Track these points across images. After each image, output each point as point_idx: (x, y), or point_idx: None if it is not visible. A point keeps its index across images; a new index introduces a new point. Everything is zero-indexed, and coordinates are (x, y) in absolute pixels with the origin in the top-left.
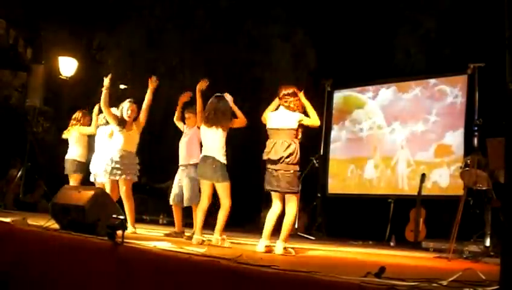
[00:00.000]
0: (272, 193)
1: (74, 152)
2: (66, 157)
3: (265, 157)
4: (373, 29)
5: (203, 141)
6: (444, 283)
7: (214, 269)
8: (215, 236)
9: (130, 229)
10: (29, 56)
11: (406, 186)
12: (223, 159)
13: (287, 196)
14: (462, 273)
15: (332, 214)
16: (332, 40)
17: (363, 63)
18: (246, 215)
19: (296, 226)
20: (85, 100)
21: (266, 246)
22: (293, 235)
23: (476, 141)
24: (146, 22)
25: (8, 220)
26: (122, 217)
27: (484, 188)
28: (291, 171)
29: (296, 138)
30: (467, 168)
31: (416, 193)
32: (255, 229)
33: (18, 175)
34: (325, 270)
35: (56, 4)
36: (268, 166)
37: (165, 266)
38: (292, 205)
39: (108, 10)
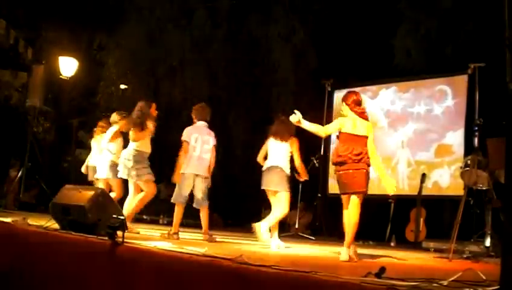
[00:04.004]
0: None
1: (96, 158)
2: (90, 164)
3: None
4: (373, 29)
5: (270, 153)
6: (445, 283)
7: (215, 269)
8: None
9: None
10: (29, 56)
11: (407, 186)
12: (288, 171)
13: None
14: (463, 273)
15: (332, 214)
16: (333, 40)
17: (363, 63)
18: (246, 216)
19: (296, 226)
20: (85, 100)
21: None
22: (293, 235)
23: (476, 141)
24: (146, 22)
25: (8, 220)
26: (122, 217)
27: (484, 188)
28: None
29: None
30: (467, 168)
31: (416, 193)
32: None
33: (18, 175)
34: (325, 270)
35: (56, 4)
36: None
37: (165, 266)
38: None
39: (108, 10)
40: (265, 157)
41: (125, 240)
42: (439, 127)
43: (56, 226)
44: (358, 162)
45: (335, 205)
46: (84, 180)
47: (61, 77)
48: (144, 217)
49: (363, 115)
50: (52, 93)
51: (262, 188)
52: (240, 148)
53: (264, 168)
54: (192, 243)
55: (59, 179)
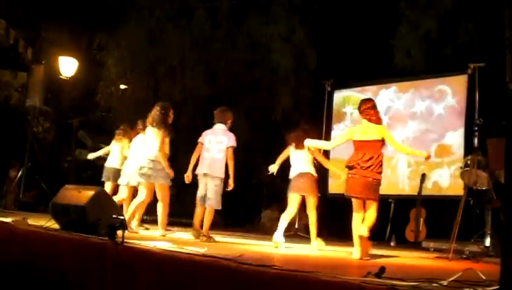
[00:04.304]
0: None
1: (115, 161)
2: (109, 165)
3: None
4: (373, 29)
5: (293, 161)
6: (444, 283)
7: (215, 269)
8: (316, 242)
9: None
10: (29, 56)
11: (406, 186)
12: (315, 174)
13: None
14: (462, 273)
15: (332, 214)
16: (333, 40)
17: (363, 63)
18: (246, 216)
19: (296, 226)
20: (85, 100)
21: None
22: (293, 235)
23: (476, 141)
24: (146, 22)
25: (8, 220)
26: (122, 217)
27: (484, 188)
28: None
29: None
30: (467, 168)
31: (416, 193)
32: (255, 229)
33: (18, 175)
34: (325, 270)
35: (56, 4)
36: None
37: (165, 266)
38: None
39: (108, 10)
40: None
41: (125, 240)
42: (439, 127)
43: (56, 226)
44: (366, 170)
45: (335, 205)
46: (83, 181)
47: (61, 77)
48: (144, 217)
49: (372, 119)
50: (52, 93)
51: (292, 193)
52: (239, 148)
53: (291, 176)
54: (192, 243)
55: (59, 179)
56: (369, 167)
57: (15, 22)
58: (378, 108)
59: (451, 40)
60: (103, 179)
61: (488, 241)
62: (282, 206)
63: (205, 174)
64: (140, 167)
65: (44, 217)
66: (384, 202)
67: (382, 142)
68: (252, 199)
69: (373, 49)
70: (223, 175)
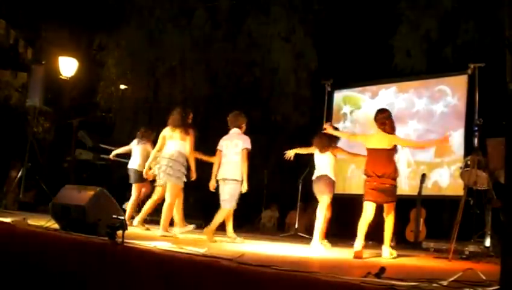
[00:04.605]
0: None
1: (136, 162)
2: (133, 167)
3: None
4: (373, 29)
5: (316, 164)
6: (444, 283)
7: (215, 269)
8: (321, 241)
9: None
10: (29, 56)
11: (406, 186)
12: (333, 177)
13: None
14: (463, 273)
15: (332, 214)
16: (333, 40)
17: (363, 63)
18: (246, 216)
19: (296, 226)
20: (85, 100)
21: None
22: (293, 235)
23: (476, 141)
24: (146, 22)
25: (8, 220)
26: (122, 217)
27: (484, 188)
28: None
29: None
30: (467, 168)
31: (416, 193)
32: (255, 229)
33: (18, 175)
34: (325, 270)
35: (56, 4)
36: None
37: (165, 266)
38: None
39: (108, 11)
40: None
41: (125, 240)
42: (439, 127)
43: (56, 226)
44: (381, 177)
45: (335, 205)
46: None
47: (61, 77)
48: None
49: (386, 129)
50: (52, 93)
51: (316, 195)
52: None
53: (313, 178)
54: (192, 243)
55: (59, 179)
56: (383, 174)
57: (15, 22)
58: (378, 108)
59: (451, 40)
60: (130, 182)
61: (488, 242)
62: (282, 206)
63: (224, 179)
64: (160, 166)
65: (44, 217)
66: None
67: (394, 150)
68: (252, 199)
69: (373, 49)
70: (239, 178)
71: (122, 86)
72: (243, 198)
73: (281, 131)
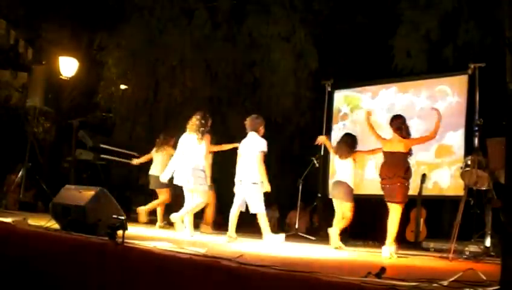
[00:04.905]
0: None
1: (158, 169)
2: (154, 173)
3: None
4: (373, 29)
5: (336, 169)
6: (445, 283)
7: (215, 269)
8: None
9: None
10: (29, 56)
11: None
12: (352, 185)
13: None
14: (463, 273)
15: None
16: (333, 40)
17: (363, 63)
18: (247, 216)
19: (296, 226)
20: (85, 100)
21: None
22: (293, 235)
23: (476, 141)
24: (146, 22)
25: (8, 220)
26: (122, 217)
27: (484, 188)
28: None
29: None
30: (468, 169)
31: (416, 193)
32: (255, 229)
33: (18, 176)
34: (325, 270)
35: (57, 4)
36: None
37: (165, 266)
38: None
39: (108, 10)
40: None
41: (125, 240)
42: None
43: (56, 226)
44: (392, 178)
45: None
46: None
47: (61, 77)
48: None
49: (402, 134)
50: (52, 93)
51: (330, 197)
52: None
53: (332, 182)
54: (192, 243)
55: (59, 179)
56: (394, 175)
57: (15, 22)
58: (378, 108)
59: (451, 40)
60: (150, 187)
61: (488, 242)
62: (282, 206)
63: (241, 181)
64: (181, 172)
65: (44, 217)
66: (384, 202)
67: (409, 153)
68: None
69: (373, 50)
70: (257, 180)
71: (122, 86)
72: None
73: (281, 131)
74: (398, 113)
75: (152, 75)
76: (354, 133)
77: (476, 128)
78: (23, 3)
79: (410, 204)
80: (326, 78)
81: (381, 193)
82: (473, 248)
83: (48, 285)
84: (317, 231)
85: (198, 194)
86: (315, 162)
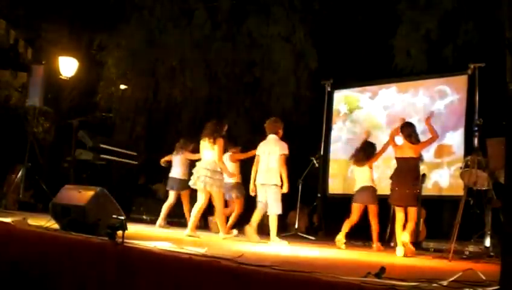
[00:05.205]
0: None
1: (177, 172)
2: (173, 176)
3: None
4: (373, 29)
5: (356, 177)
6: (444, 283)
7: (215, 269)
8: (377, 244)
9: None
10: (29, 56)
11: None
12: (375, 186)
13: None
14: (463, 273)
15: (332, 214)
16: (333, 40)
17: (363, 63)
18: (247, 216)
19: (296, 226)
20: (85, 100)
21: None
22: (293, 235)
23: (476, 141)
24: (146, 22)
25: (8, 220)
26: (122, 217)
27: (484, 188)
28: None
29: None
30: (467, 169)
31: None
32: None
33: (18, 176)
34: (325, 270)
35: (56, 4)
36: None
37: (165, 266)
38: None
39: (108, 10)
40: None
41: (125, 240)
42: (439, 127)
43: (56, 226)
44: (403, 183)
45: (335, 205)
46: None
47: (61, 77)
48: (144, 217)
49: (412, 140)
50: (52, 93)
51: (355, 203)
52: (239, 149)
53: (355, 190)
54: (193, 243)
55: (59, 179)
56: (404, 181)
57: (15, 22)
58: (378, 108)
59: (451, 40)
60: (167, 188)
61: (488, 242)
62: (283, 207)
63: (263, 184)
64: (197, 175)
65: (45, 217)
66: (384, 202)
67: (420, 158)
68: (252, 199)
69: (373, 49)
70: (279, 182)
71: (122, 86)
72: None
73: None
74: (398, 112)
75: (152, 75)
76: (354, 134)
77: (476, 128)
78: (23, 3)
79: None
80: (326, 78)
81: (381, 193)
82: (472, 248)
83: (48, 285)
84: (317, 231)
85: (214, 196)
86: (315, 162)
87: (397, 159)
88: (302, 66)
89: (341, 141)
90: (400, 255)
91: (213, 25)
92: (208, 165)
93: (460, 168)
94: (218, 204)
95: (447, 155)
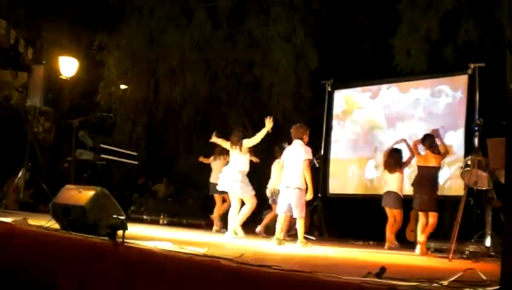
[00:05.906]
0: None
1: (216, 176)
2: (213, 181)
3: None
4: (373, 29)
5: (386, 180)
6: (445, 283)
7: (215, 269)
8: (388, 244)
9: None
10: (29, 56)
11: (407, 186)
12: (401, 194)
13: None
14: (463, 273)
15: (333, 214)
16: (333, 40)
17: (363, 63)
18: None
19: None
20: (85, 100)
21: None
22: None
23: (476, 141)
24: (146, 22)
25: (9, 220)
26: (122, 217)
27: (484, 188)
28: None
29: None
30: (468, 168)
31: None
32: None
33: (18, 176)
34: (325, 270)
35: (57, 4)
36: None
37: (165, 266)
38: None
39: (109, 10)
40: None
41: (125, 240)
42: (439, 127)
43: (56, 226)
44: (422, 190)
45: (335, 205)
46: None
47: (61, 77)
48: (144, 217)
49: (435, 151)
50: (52, 93)
51: (383, 206)
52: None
53: (383, 192)
54: (193, 243)
55: (59, 179)
56: (424, 187)
57: (15, 22)
58: (378, 108)
59: (451, 40)
60: (210, 193)
61: (488, 242)
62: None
63: (287, 187)
64: (230, 180)
65: (45, 217)
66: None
67: (439, 167)
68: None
69: (373, 49)
70: (303, 186)
71: (122, 86)
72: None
73: (281, 131)
74: (397, 112)
75: (152, 75)
76: (354, 134)
77: (476, 128)
78: (23, 3)
79: (410, 204)
80: (326, 78)
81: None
82: (473, 248)
83: (48, 285)
84: (317, 231)
85: (245, 200)
86: (315, 162)
87: (419, 167)
88: (302, 66)
89: (341, 140)
90: (418, 253)
91: (213, 25)
92: (236, 171)
93: (461, 168)
94: (250, 205)
95: (447, 155)
